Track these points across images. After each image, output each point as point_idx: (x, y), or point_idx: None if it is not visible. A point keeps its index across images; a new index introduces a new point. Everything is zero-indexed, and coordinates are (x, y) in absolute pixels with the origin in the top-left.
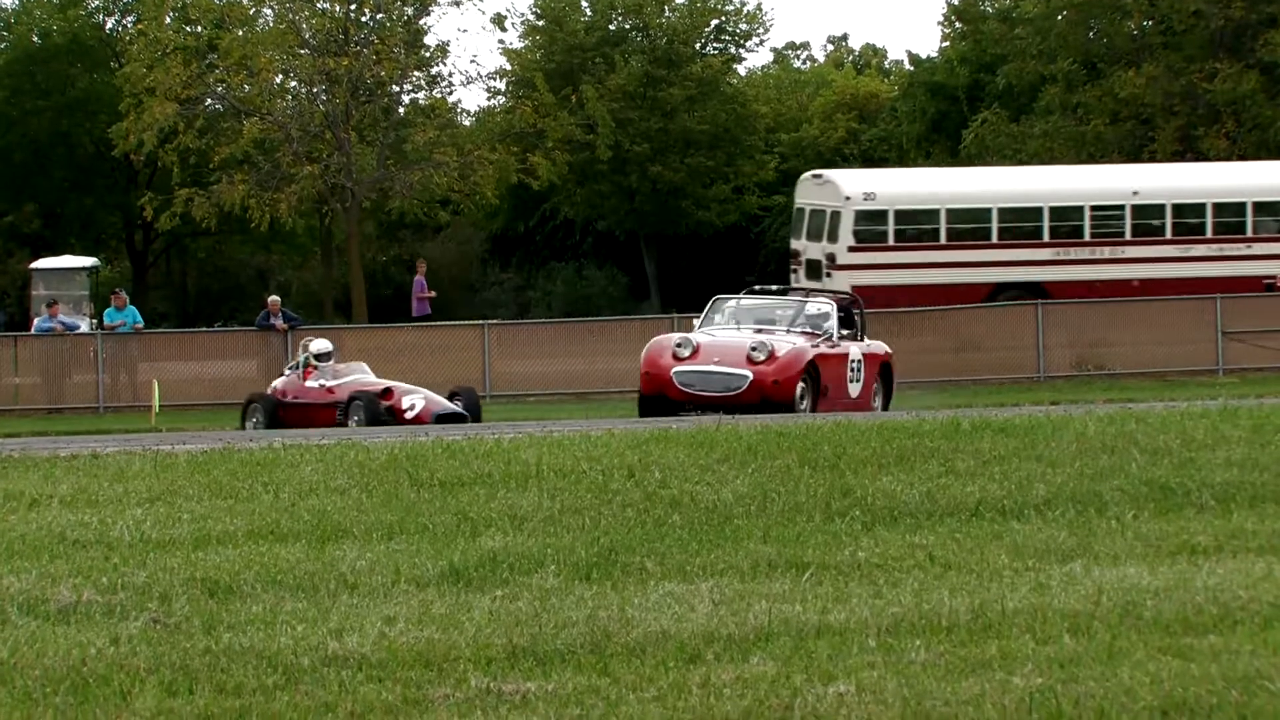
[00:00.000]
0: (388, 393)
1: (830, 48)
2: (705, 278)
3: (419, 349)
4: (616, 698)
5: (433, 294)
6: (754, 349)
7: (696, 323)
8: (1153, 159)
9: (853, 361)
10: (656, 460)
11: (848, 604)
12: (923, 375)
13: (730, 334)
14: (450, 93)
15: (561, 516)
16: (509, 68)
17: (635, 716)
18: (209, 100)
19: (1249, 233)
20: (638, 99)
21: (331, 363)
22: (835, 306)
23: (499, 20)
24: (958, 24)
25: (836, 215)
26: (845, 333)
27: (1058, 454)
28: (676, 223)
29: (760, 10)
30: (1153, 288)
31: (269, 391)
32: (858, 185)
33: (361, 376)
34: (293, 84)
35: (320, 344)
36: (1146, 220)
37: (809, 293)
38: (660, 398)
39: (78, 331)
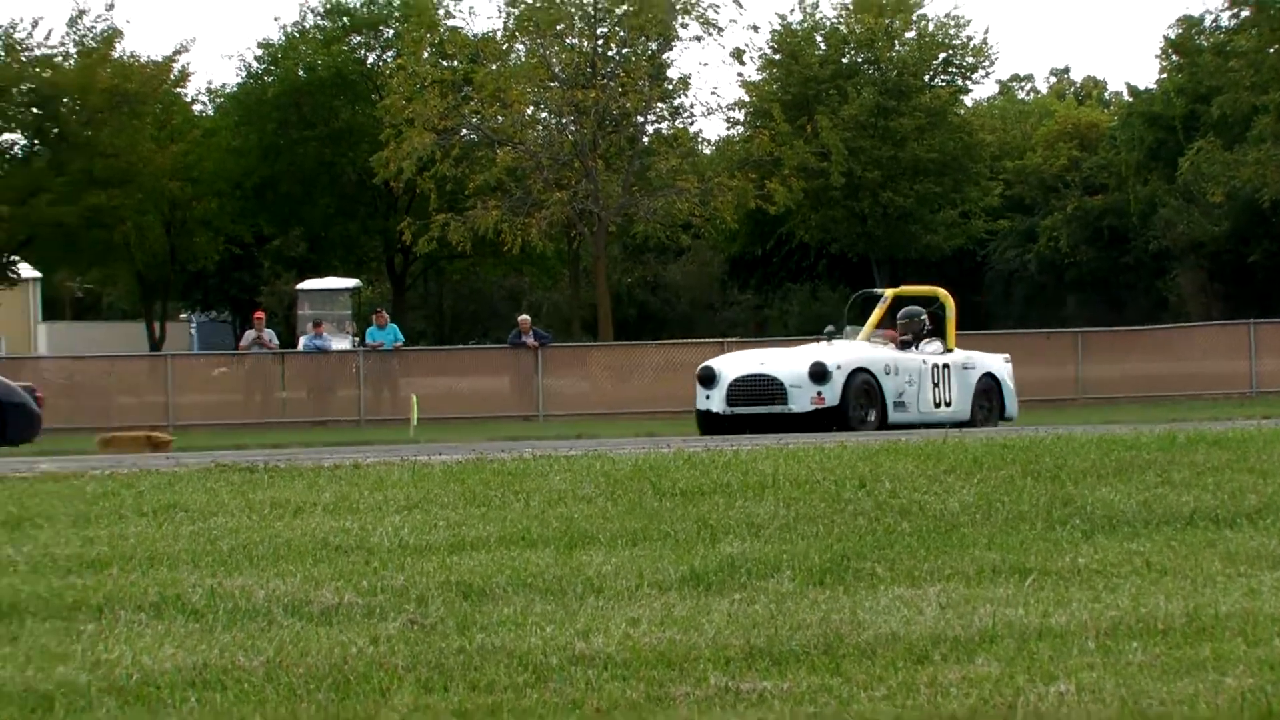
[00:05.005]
0: None
1: (1053, 79)
2: None
3: (661, 366)
4: (848, 696)
5: None
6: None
7: None
8: None
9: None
10: (887, 471)
11: (1068, 608)
12: (1140, 390)
13: None
14: (692, 123)
15: (797, 524)
16: (747, 99)
17: (866, 714)
18: (464, 130)
19: None
20: (869, 128)
21: None
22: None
23: (738, 54)
24: (1174, 57)
25: None
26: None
27: (1269, 465)
28: (906, 246)
29: (986, 44)
30: None
31: None
32: None
33: None
34: (543, 115)
35: None
36: None
37: None
38: None
39: (341, 349)
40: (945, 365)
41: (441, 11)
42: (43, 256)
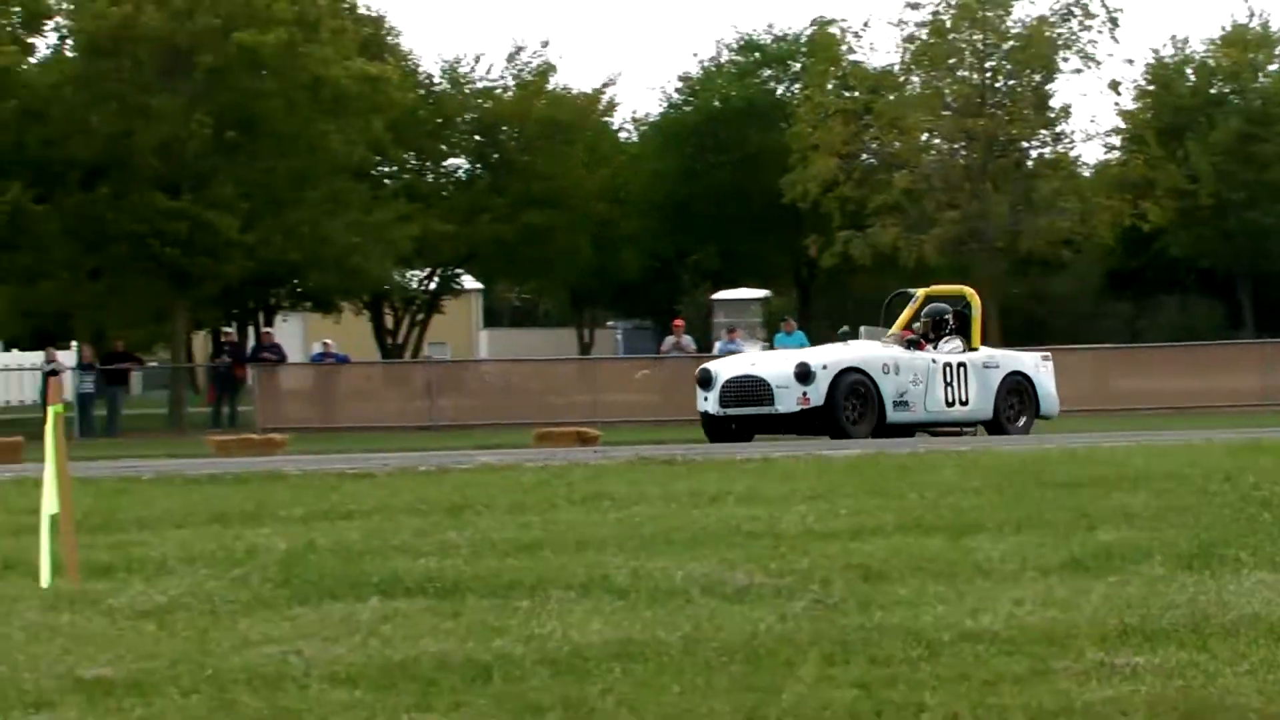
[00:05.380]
0: None
1: None
2: None
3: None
4: (1214, 671)
5: None
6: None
7: None
8: None
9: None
10: (1250, 466)
11: None
12: None
13: None
14: (1072, 148)
15: (1166, 514)
16: (1123, 126)
17: (1230, 688)
18: (864, 155)
19: None
20: (1235, 153)
21: None
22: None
23: (1114, 85)
24: None
25: None
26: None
27: None
28: (1270, 262)
29: None
30: None
31: None
32: None
33: None
34: (937, 141)
35: None
36: None
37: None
38: None
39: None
40: (961, 364)
41: (844, 47)
42: (484, 270)
